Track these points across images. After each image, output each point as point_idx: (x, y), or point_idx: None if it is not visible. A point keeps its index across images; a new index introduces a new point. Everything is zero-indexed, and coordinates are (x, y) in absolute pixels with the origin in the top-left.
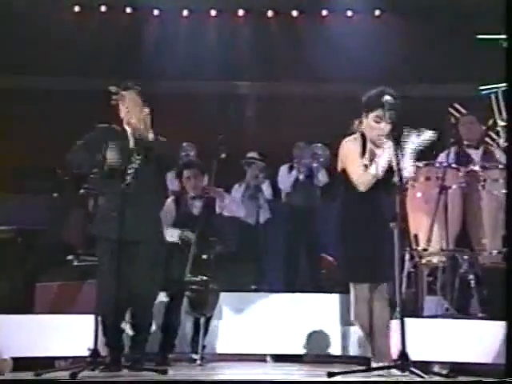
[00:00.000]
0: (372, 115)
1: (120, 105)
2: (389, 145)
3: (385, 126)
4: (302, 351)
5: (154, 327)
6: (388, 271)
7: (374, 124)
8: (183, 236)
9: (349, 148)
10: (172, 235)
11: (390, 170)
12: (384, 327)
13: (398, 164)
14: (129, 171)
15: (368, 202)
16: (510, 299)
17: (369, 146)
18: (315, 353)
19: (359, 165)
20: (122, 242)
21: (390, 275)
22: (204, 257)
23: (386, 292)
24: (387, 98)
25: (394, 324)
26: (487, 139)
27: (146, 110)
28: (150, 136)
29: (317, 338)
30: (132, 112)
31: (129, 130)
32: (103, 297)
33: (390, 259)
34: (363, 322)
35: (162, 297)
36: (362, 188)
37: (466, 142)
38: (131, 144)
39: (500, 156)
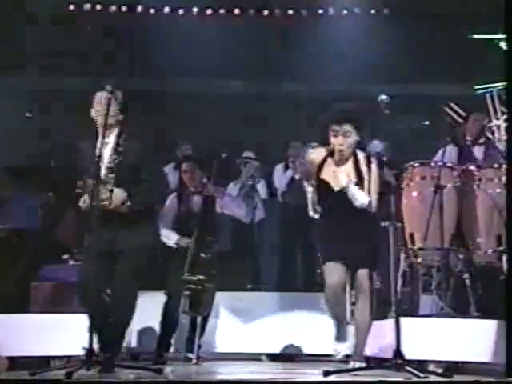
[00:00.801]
0: (330, 130)
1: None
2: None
3: (343, 140)
4: (297, 350)
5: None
6: (366, 258)
7: (332, 139)
8: (181, 242)
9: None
10: (169, 239)
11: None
12: (364, 325)
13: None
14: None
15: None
16: (509, 299)
17: (329, 160)
18: (309, 352)
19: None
20: (105, 252)
21: (366, 262)
22: (202, 256)
23: (369, 287)
24: (383, 97)
25: (390, 323)
26: (483, 139)
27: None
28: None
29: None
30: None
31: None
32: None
33: (369, 248)
34: (334, 308)
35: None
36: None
37: (469, 138)
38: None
39: (495, 155)
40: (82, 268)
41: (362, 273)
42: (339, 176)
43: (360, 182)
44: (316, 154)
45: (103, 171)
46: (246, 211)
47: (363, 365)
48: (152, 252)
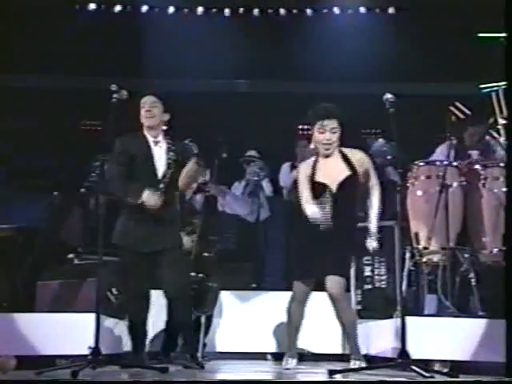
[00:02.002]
0: (316, 127)
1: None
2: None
3: (330, 136)
4: (301, 350)
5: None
6: (334, 266)
7: (318, 135)
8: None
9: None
10: None
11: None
12: (349, 324)
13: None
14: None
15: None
16: (509, 298)
17: (320, 162)
18: (314, 351)
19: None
20: (145, 252)
21: (336, 270)
22: (205, 255)
23: (340, 291)
24: (388, 96)
25: (395, 322)
26: (488, 137)
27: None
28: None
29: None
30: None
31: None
32: (132, 303)
33: (340, 256)
34: (295, 320)
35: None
36: (308, 213)
37: (466, 143)
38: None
39: (501, 153)
40: (124, 269)
41: (330, 282)
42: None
43: (354, 173)
44: (302, 169)
45: (160, 170)
46: (248, 210)
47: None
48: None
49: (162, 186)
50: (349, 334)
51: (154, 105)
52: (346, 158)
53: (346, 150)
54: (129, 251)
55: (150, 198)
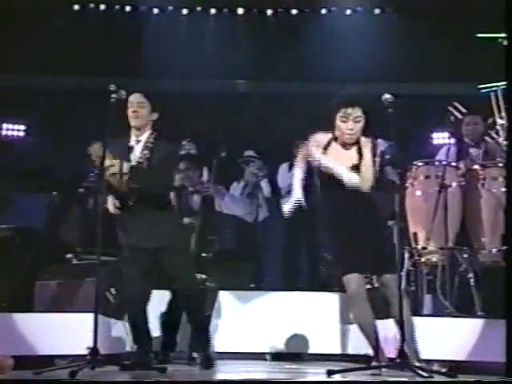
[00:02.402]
0: (339, 115)
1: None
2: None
3: (353, 125)
4: (300, 350)
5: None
6: (386, 264)
7: (340, 124)
8: None
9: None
10: None
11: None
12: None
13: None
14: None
15: (356, 198)
16: (509, 298)
17: (334, 145)
18: (313, 351)
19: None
20: (147, 249)
21: (387, 268)
22: (203, 255)
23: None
24: (387, 96)
25: (393, 322)
26: (487, 138)
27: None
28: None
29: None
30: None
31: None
32: (132, 301)
33: (385, 253)
34: (365, 321)
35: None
36: (341, 175)
37: (466, 140)
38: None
39: (500, 154)
40: (125, 269)
41: (386, 277)
42: (343, 161)
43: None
44: (322, 135)
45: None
46: (246, 210)
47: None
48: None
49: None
50: (407, 333)
51: (141, 105)
52: (360, 151)
53: (364, 142)
54: (125, 249)
55: (111, 204)
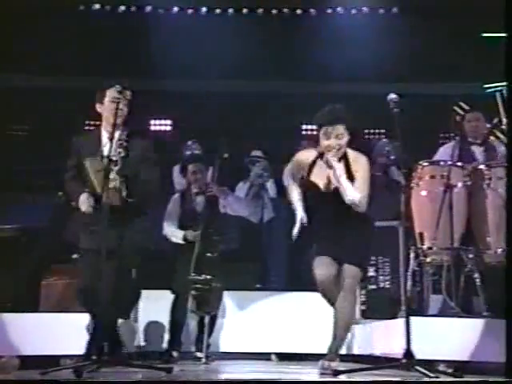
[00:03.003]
0: (321, 132)
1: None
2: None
3: (335, 142)
4: (306, 350)
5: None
6: (352, 255)
7: (323, 141)
8: (188, 235)
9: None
10: (176, 236)
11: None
12: (342, 323)
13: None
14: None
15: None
16: (509, 298)
17: (319, 162)
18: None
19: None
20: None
21: (353, 258)
22: (208, 255)
23: (352, 286)
24: (392, 96)
25: (399, 322)
26: (492, 137)
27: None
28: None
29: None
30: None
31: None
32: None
33: (356, 246)
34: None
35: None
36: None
37: (470, 139)
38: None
39: (504, 154)
40: (82, 268)
41: (348, 270)
42: (330, 177)
43: (351, 181)
44: (306, 154)
45: (105, 164)
46: (250, 211)
47: (333, 364)
48: (150, 248)
49: (111, 185)
50: (337, 332)
51: (117, 100)
52: (347, 164)
53: (351, 155)
54: (89, 251)
55: (83, 202)
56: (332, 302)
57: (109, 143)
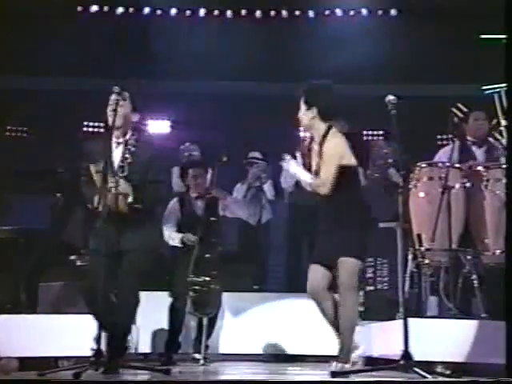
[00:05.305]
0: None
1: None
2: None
3: (299, 114)
4: (304, 351)
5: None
6: (345, 247)
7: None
8: (185, 239)
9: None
10: (174, 239)
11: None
12: (346, 324)
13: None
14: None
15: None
16: (509, 299)
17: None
18: (316, 353)
19: None
20: (110, 253)
21: (345, 251)
22: (206, 257)
23: (350, 283)
24: (390, 97)
25: (397, 324)
26: (491, 139)
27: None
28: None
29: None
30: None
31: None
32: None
33: (347, 238)
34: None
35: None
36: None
37: (470, 139)
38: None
39: (502, 155)
40: (89, 269)
41: (344, 264)
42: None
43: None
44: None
45: (114, 170)
46: (248, 213)
47: (347, 366)
48: (155, 253)
49: (114, 190)
50: (343, 334)
51: (119, 103)
52: (321, 146)
53: (329, 137)
54: (96, 253)
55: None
56: (324, 313)
57: (116, 148)
